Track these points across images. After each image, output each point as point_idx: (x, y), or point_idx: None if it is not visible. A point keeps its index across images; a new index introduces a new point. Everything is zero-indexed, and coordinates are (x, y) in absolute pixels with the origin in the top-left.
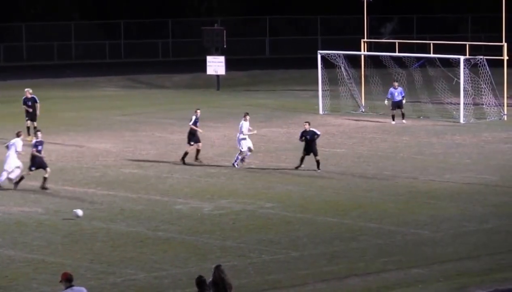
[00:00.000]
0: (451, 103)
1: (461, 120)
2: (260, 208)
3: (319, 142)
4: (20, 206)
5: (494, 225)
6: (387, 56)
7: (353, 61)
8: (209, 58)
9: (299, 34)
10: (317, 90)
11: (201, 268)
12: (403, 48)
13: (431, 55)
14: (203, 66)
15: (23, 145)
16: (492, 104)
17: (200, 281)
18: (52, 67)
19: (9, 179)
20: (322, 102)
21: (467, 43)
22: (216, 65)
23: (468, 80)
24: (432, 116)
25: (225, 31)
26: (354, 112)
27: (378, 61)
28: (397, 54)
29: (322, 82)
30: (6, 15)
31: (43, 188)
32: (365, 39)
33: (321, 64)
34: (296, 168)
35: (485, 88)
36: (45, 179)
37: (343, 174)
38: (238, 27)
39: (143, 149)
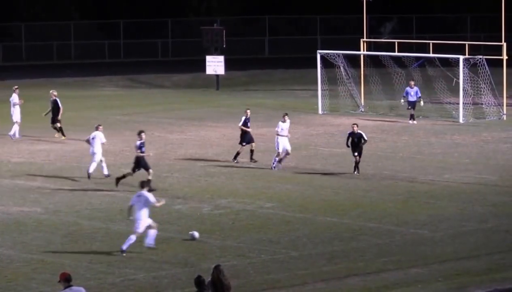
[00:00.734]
0: (450, 103)
1: (461, 120)
2: (260, 207)
3: (320, 142)
4: (19, 206)
5: (493, 224)
6: (386, 56)
7: (353, 61)
8: (208, 58)
9: (298, 34)
10: (317, 90)
11: (200, 268)
12: (403, 48)
13: (431, 55)
14: (202, 66)
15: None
16: (492, 104)
17: (199, 281)
18: (52, 67)
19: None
20: (322, 102)
21: (467, 43)
22: (215, 65)
23: (467, 80)
24: (431, 116)
25: (224, 31)
26: (353, 112)
27: (378, 61)
28: (396, 54)
29: (322, 82)
30: (5, 15)
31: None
32: (365, 39)
33: (321, 64)
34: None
35: (484, 88)
36: (149, 180)
37: (343, 173)
38: (237, 27)
39: None
